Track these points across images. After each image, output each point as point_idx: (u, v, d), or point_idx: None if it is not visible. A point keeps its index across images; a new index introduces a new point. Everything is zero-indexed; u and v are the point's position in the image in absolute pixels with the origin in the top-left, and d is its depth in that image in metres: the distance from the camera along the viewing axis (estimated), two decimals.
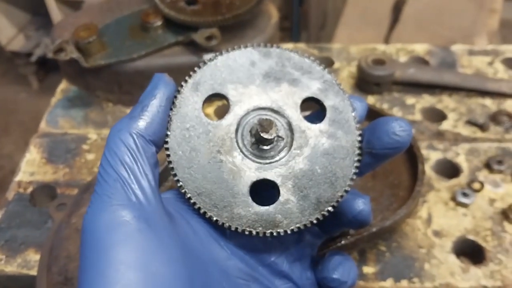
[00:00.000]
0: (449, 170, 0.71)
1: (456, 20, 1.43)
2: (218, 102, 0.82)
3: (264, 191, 0.36)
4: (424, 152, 0.72)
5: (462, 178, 0.69)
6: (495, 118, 0.78)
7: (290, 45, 1.01)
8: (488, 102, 0.82)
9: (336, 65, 0.91)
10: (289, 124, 0.36)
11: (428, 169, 0.70)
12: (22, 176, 0.72)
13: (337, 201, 0.36)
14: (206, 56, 0.76)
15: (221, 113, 0.77)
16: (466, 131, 0.76)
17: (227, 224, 0.35)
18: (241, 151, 0.35)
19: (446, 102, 0.82)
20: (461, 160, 0.71)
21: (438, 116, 0.80)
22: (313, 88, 0.36)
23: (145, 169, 0.32)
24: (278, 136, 0.36)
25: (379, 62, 0.83)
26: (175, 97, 0.35)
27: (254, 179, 0.35)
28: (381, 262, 0.59)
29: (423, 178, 0.62)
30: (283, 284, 0.39)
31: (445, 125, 0.78)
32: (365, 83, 0.84)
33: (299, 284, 0.40)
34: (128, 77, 0.78)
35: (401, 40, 1.20)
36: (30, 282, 0.59)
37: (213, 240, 0.36)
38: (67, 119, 0.82)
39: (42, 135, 0.79)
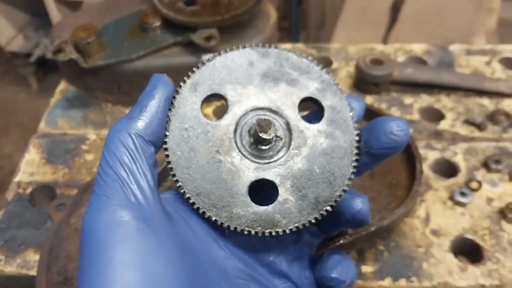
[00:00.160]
0: (447, 169, 0.71)
1: (454, 19, 1.44)
2: (217, 102, 0.82)
3: (262, 191, 0.36)
4: (422, 151, 0.72)
5: (460, 178, 0.69)
6: (492, 117, 0.78)
7: (288, 45, 1.01)
8: (485, 101, 0.82)
9: (335, 65, 0.92)
10: (288, 124, 0.36)
11: (426, 168, 0.70)
12: (21, 176, 0.72)
13: (336, 201, 0.36)
14: (205, 57, 0.76)
15: (220, 113, 0.78)
16: (464, 130, 0.77)
17: (226, 224, 0.35)
18: (240, 151, 0.35)
19: (444, 102, 0.82)
20: (459, 160, 0.72)
21: (436, 115, 0.80)
22: (311, 88, 0.37)
23: (144, 169, 0.32)
24: (277, 136, 0.36)
25: (377, 62, 0.83)
26: (174, 97, 0.35)
27: (253, 179, 0.35)
28: (379, 261, 0.59)
29: (421, 177, 0.62)
30: (282, 284, 0.39)
31: (443, 125, 0.78)
32: (363, 83, 0.84)
33: (298, 284, 0.40)
34: (127, 78, 0.79)
35: (399, 40, 1.20)
36: (29, 282, 0.60)
37: (212, 240, 0.36)
38: (66, 120, 0.82)
39: (41, 135, 0.79)
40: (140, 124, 0.33)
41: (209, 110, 0.81)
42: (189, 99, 0.36)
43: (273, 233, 0.35)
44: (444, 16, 1.46)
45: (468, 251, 0.62)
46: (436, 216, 0.64)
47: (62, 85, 0.89)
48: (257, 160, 0.36)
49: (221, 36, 0.76)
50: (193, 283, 0.31)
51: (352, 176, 0.36)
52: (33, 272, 0.59)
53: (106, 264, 0.28)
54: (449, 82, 0.83)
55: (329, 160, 0.36)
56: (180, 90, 0.36)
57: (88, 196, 0.41)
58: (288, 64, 0.37)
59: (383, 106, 0.82)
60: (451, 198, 0.66)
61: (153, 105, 0.34)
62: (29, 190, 0.70)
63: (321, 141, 0.36)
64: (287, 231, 0.35)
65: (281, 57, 0.37)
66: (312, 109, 0.39)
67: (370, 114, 0.67)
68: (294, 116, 0.36)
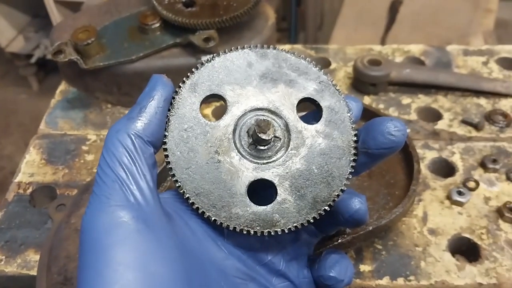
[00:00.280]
0: (445, 169, 0.72)
1: (451, 20, 1.44)
2: (216, 103, 0.83)
3: (261, 191, 0.36)
4: (420, 151, 0.73)
5: (458, 177, 0.69)
6: (490, 117, 0.78)
7: (287, 46, 1.01)
8: (483, 101, 0.82)
9: (333, 65, 0.92)
10: (286, 125, 0.37)
11: (424, 168, 0.70)
12: (21, 177, 0.72)
13: (334, 200, 0.36)
14: (204, 58, 0.76)
15: (219, 114, 0.78)
16: (461, 130, 0.77)
17: (225, 224, 0.35)
18: (239, 151, 0.36)
19: (441, 102, 0.83)
20: (456, 159, 0.72)
21: (433, 115, 0.81)
22: (309, 88, 0.37)
23: (143, 170, 0.32)
24: (276, 137, 0.36)
25: (375, 62, 0.83)
26: (173, 98, 0.36)
27: (252, 179, 0.35)
28: (377, 261, 0.59)
29: (418, 177, 0.62)
30: (280, 283, 0.39)
31: (441, 125, 0.78)
32: (361, 83, 0.84)
33: (296, 283, 0.40)
34: (127, 79, 0.79)
35: (397, 41, 1.21)
36: (30, 282, 0.60)
37: (211, 240, 0.36)
38: (66, 120, 0.82)
39: (41, 136, 0.79)
40: (139, 124, 0.33)
41: (208, 111, 0.81)
42: (188, 99, 0.36)
43: (272, 233, 0.35)
44: (441, 16, 1.46)
45: (466, 250, 0.62)
46: (434, 216, 0.64)
47: (62, 86, 0.89)
48: (256, 161, 0.36)
49: (220, 38, 0.76)
50: (192, 283, 0.31)
51: (350, 176, 0.36)
52: (33, 272, 0.59)
53: (106, 264, 0.28)
54: (447, 83, 0.83)
55: (327, 160, 0.36)
56: (179, 91, 0.36)
57: (88, 197, 0.41)
58: (286, 65, 0.37)
59: (381, 106, 0.82)
60: (449, 197, 0.66)
61: (152, 105, 0.34)
62: (29, 190, 0.70)
63: (319, 142, 0.36)
64: (286, 231, 0.36)
65: (280, 58, 0.37)
66: (310, 109, 0.39)
67: (368, 114, 0.68)
68: (293, 117, 0.37)
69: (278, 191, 0.36)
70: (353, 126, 0.37)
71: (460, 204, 0.65)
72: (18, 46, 2.41)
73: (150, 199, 0.32)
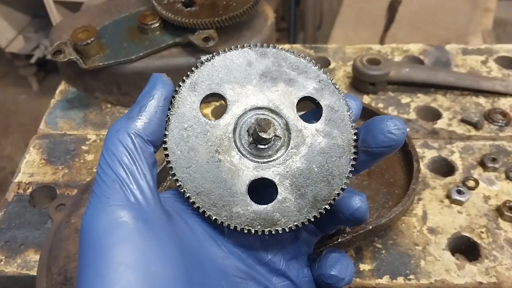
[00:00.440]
0: (444, 168, 0.72)
1: (450, 19, 1.44)
2: (215, 102, 0.83)
3: (262, 190, 0.36)
4: (419, 150, 0.73)
5: (457, 176, 0.70)
6: (489, 116, 0.79)
7: (286, 46, 1.01)
8: (482, 100, 0.83)
9: (332, 65, 0.92)
10: (286, 124, 0.37)
11: (423, 167, 0.71)
12: (21, 177, 0.72)
13: (334, 199, 0.36)
14: (204, 57, 0.76)
15: (218, 114, 0.78)
16: (460, 129, 0.77)
17: (226, 223, 0.35)
18: (239, 150, 0.36)
19: (440, 101, 0.83)
20: (456, 158, 0.72)
21: (432, 114, 0.81)
22: (309, 87, 0.37)
23: (144, 169, 0.32)
24: (276, 136, 0.36)
25: (374, 61, 0.84)
26: (173, 97, 0.36)
27: (252, 178, 0.36)
28: (377, 260, 0.59)
29: (418, 176, 0.62)
30: (280, 282, 0.39)
31: (440, 124, 0.78)
32: (360, 82, 0.84)
33: (296, 282, 0.40)
34: (126, 78, 0.79)
35: (396, 40, 1.21)
36: (30, 283, 0.60)
37: (211, 240, 0.36)
38: (66, 120, 0.82)
39: (41, 136, 0.79)
40: (139, 123, 0.33)
41: (208, 110, 0.82)
42: (188, 98, 0.36)
43: (273, 232, 0.35)
44: (440, 16, 1.47)
45: (465, 249, 0.62)
46: (433, 215, 0.64)
47: (62, 86, 0.89)
48: (256, 159, 0.36)
49: (220, 37, 0.76)
50: (192, 283, 0.31)
51: (350, 175, 0.36)
52: (33, 272, 0.59)
53: (106, 264, 0.28)
54: (446, 82, 0.83)
55: (327, 159, 0.36)
56: (179, 90, 0.36)
57: (88, 196, 0.41)
58: (286, 64, 0.37)
59: (380, 105, 0.82)
60: (448, 196, 0.66)
61: (152, 104, 0.34)
62: (29, 190, 0.70)
63: (319, 140, 0.36)
64: (287, 230, 0.36)
65: (279, 57, 0.37)
66: (310, 108, 0.40)
67: (367, 113, 0.68)
68: (293, 116, 0.37)
69: (279, 190, 0.36)
70: (353, 124, 0.37)
71: (459, 203, 0.65)
72: (18, 46, 2.42)
73: (150, 199, 0.32)
